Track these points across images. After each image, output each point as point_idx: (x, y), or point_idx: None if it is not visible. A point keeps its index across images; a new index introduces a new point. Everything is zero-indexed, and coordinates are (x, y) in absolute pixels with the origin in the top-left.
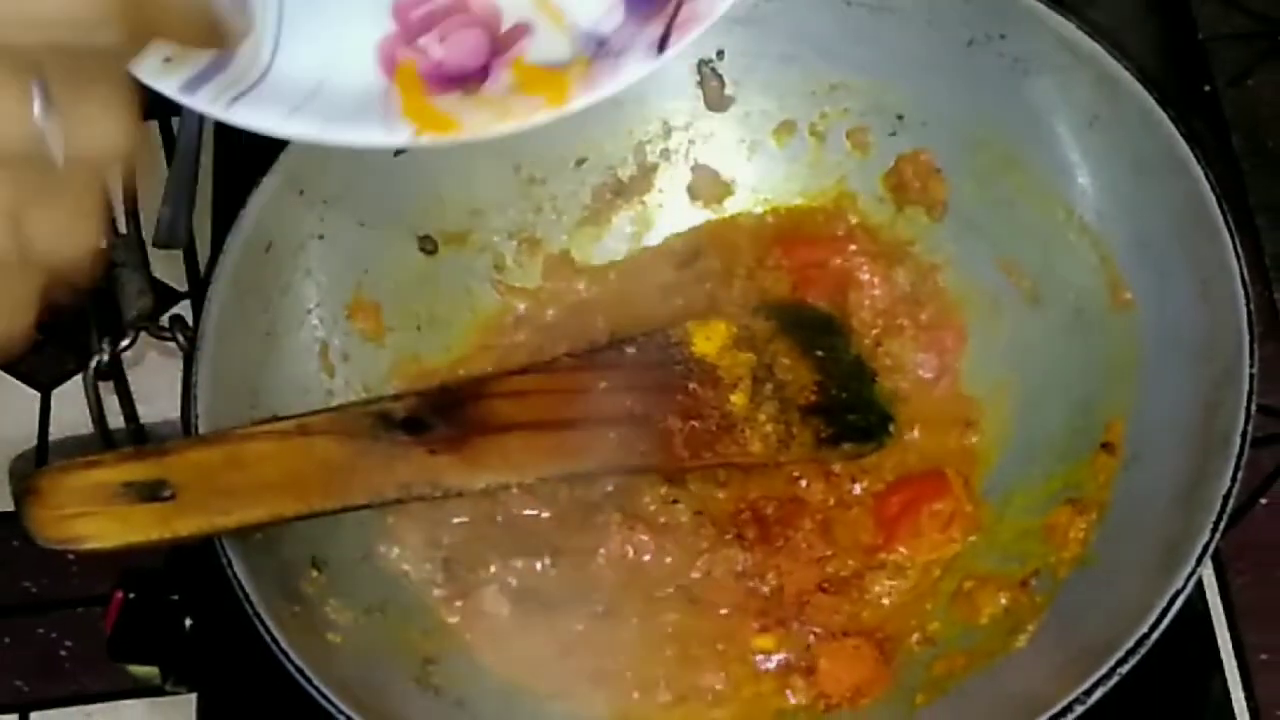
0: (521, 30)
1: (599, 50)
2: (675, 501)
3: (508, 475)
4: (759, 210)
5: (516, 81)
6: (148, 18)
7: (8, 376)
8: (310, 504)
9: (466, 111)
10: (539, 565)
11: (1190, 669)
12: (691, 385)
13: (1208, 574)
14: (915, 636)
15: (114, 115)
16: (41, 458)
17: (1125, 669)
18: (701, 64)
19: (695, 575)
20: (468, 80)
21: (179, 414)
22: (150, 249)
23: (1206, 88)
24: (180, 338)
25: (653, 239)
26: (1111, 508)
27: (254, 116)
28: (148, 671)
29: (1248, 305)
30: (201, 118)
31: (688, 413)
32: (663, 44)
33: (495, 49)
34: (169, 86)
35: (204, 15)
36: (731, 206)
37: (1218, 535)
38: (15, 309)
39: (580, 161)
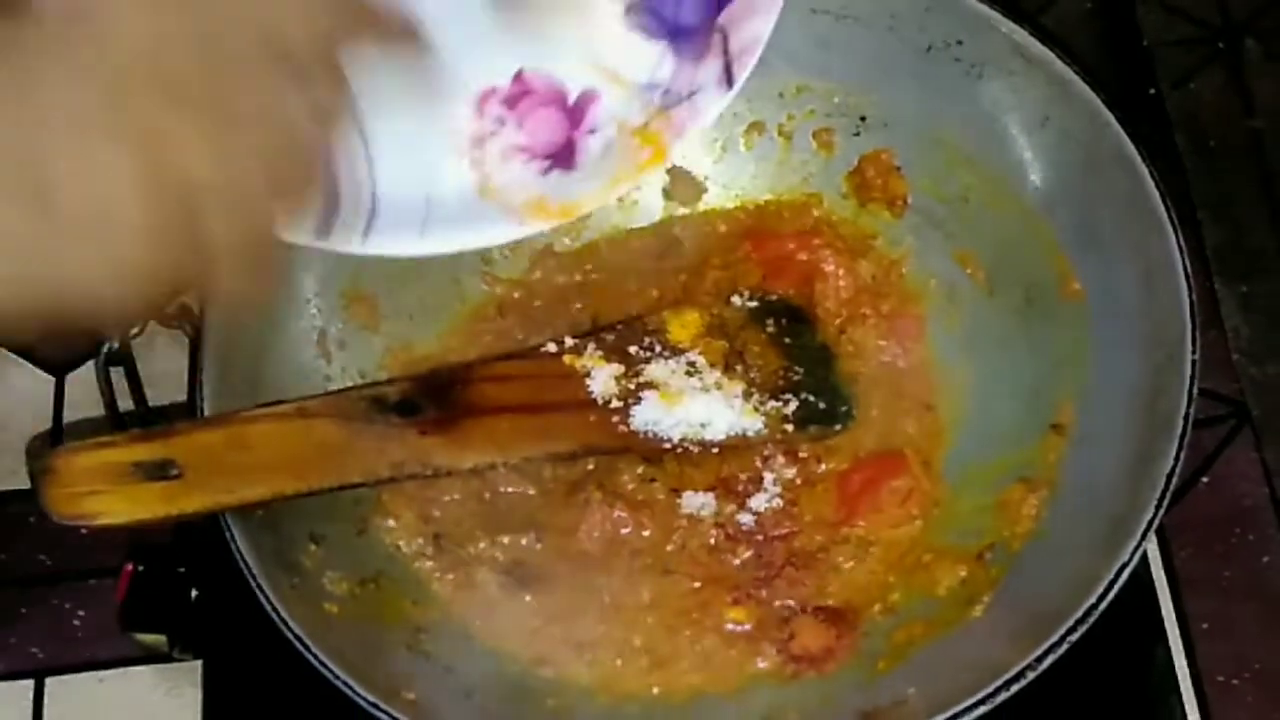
0: (589, 98)
1: (667, 98)
2: (652, 480)
3: (495, 455)
4: (730, 206)
5: (605, 147)
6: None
7: (25, 362)
8: (309, 482)
9: (576, 185)
10: (524, 540)
11: (1136, 637)
12: None
13: (1152, 548)
14: (877, 607)
15: (337, 102)
16: (56, 439)
17: (1075, 637)
18: None
19: (670, 549)
20: (561, 158)
21: (186, 398)
22: None
23: (1151, 90)
24: (187, 326)
25: (631, 233)
26: (1062, 486)
27: (390, 245)
28: (156, 640)
29: (1190, 295)
30: None
31: None
32: (729, 77)
33: (572, 121)
34: (304, 237)
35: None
36: (704, 204)
37: (1162, 511)
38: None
39: None
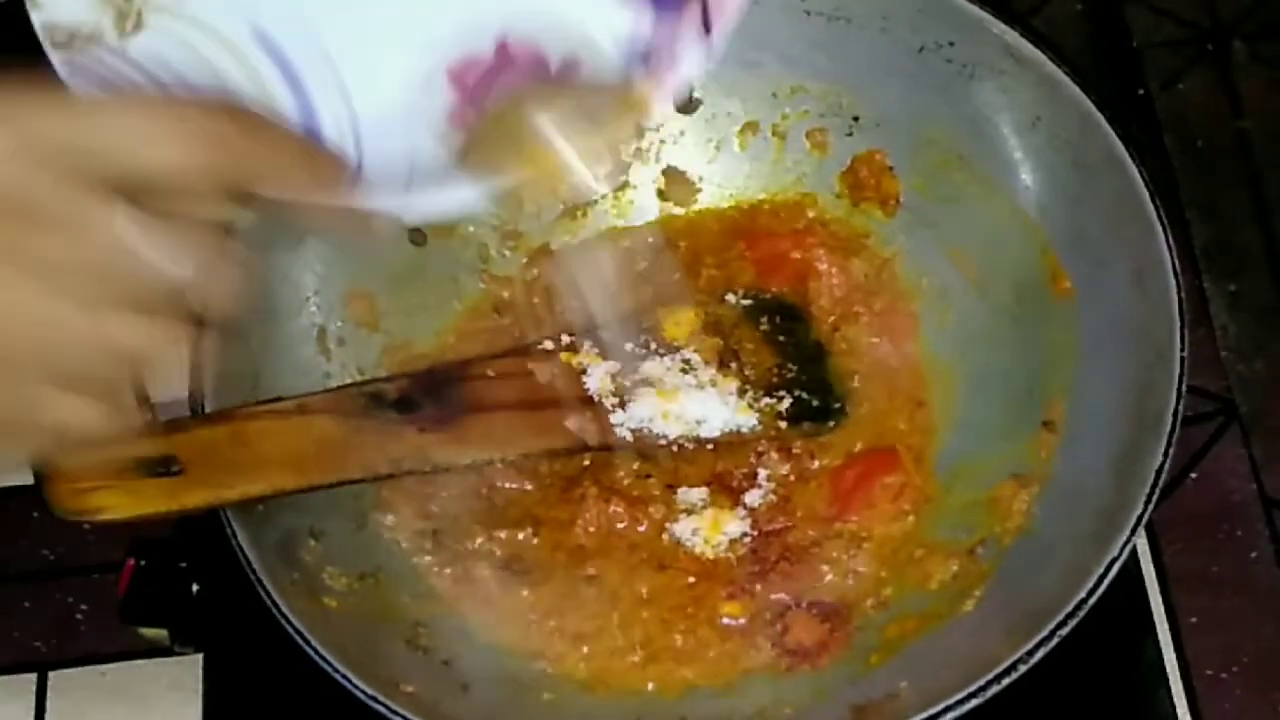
0: (571, 65)
1: (648, 56)
2: (648, 476)
3: (492, 451)
4: (725, 206)
5: (590, 111)
6: (241, 172)
7: None
8: (308, 478)
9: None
10: (521, 535)
11: (1126, 631)
12: None
13: (1141, 543)
14: (870, 601)
15: (195, 250)
16: None
17: (1065, 631)
18: None
19: (666, 543)
20: None
21: (187, 395)
22: None
23: (1140, 91)
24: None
25: (626, 232)
26: (1052, 481)
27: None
28: (157, 633)
29: (1179, 293)
30: None
31: None
32: (710, 32)
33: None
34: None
35: (304, 173)
36: (699, 203)
37: (1151, 507)
38: (109, 394)
39: None
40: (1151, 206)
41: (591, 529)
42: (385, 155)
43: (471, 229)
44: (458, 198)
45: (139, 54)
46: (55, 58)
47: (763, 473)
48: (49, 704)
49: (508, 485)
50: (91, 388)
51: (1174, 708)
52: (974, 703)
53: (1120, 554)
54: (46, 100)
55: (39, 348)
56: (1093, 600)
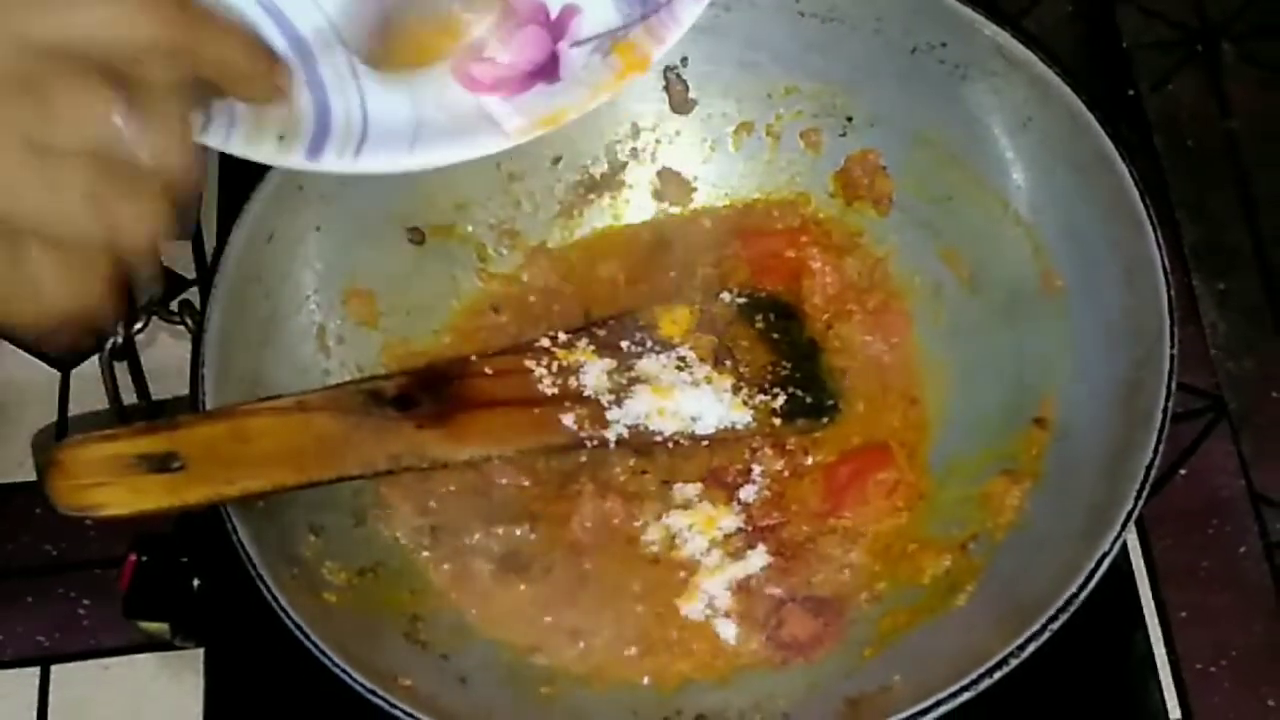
0: (570, 12)
1: (647, 6)
2: (644, 472)
3: (489, 448)
4: (720, 205)
5: (587, 58)
6: (196, 57)
7: (31, 358)
8: (308, 474)
9: (560, 96)
10: (519, 530)
11: (1116, 625)
12: None
13: (1132, 538)
14: (864, 595)
15: (175, 134)
16: (61, 432)
17: (1057, 625)
18: (667, 70)
19: (661, 538)
20: (545, 71)
21: (188, 392)
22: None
23: (1131, 92)
24: (189, 321)
25: (623, 231)
26: (1044, 477)
27: (380, 162)
28: (159, 628)
29: (1168, 292)
30: None
31: None
32: None
33: (554, 36)
34: (295, 160)
35: (249, 64)
36: (694, 202)
37: (1141, 503)
38: (92, 283)
39: (556, 160)
40: (1141, 206)
41: (588, 524)
42: (390, 110)
43: (470, 228)
44: (465, 148)
45: None
46: None
47: (757, 469)
48: (51, 698)
49: (505, 481)
50: (72, 256)
51: (1164, 701)
52: (966, 696)
53: (1111, 549)
54: None
55: (29, 206)
56: (1083, 595)
